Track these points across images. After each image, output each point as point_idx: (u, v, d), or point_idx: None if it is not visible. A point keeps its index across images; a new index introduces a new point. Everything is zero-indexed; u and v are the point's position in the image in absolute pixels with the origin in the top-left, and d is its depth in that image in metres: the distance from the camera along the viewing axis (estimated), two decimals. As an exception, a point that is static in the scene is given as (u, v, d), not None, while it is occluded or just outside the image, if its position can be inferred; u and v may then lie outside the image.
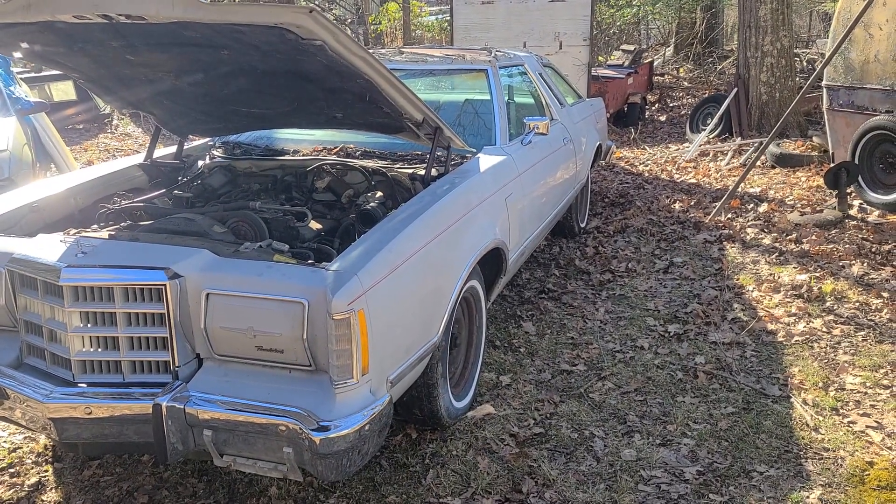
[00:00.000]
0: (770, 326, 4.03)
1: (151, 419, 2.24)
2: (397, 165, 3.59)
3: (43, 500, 2.76)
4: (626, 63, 12.09)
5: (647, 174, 8.11)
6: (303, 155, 3.82)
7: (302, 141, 3.98)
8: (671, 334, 3.99)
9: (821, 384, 3.41)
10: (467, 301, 3.29)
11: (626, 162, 8.79)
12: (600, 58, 15.44)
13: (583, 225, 5.91)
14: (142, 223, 2.99)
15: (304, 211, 3.07)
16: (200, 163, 3.91)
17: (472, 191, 3.18)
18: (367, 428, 2.22)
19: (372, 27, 23.12)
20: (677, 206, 6.54)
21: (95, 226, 3.04)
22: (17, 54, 2.85)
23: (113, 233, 2.72)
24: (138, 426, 2.31)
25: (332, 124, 3.54)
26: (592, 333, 4.04)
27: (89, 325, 2.39)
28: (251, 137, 4.11)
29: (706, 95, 11.26)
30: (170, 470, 2.90)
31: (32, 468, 2.95)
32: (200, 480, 2.85)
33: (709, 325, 4.08)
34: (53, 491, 2.81)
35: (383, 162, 3.65)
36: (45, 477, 2.89)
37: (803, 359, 3.67)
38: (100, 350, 2.40)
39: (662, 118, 12.79)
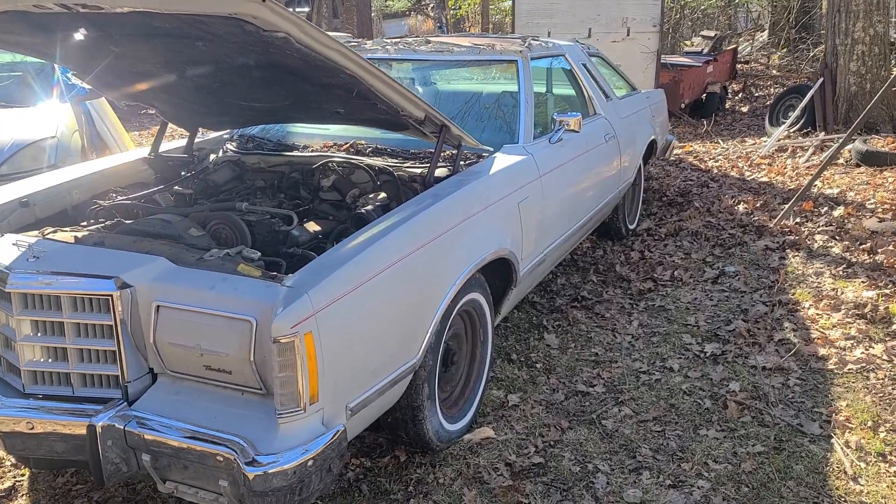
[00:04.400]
0: (822, 351, 3.61)
1: (86, 440, 2.10)
2: (407, 164, 3.36)
3: (10, 507, 2.68)
4: (706, 50, 11.44)
5: (715, 171, 7.60)
6: (311, 151, 3.63)
7: (314, 136, 3.80)
8: (707, 355, 3.62)
9: (870, 423, 3.00)
10: (469, 315, 3.04)
11: (694, 157, 8.29)
12: (686, 43, 14.72)
13: (632, 226, 5.54)
14: (124, 223, 2.86)
15: (290, 214, 2.88)
16: (213, 156, 3.78)
17: (473, 195, 2.91)
18: (310, 464, 2.01)
19: (452, 12, 22.90)
20: (741, 207, 6.06)
21: (84, 223, 2.95)
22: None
23: (83, 234, 2.59)
24: (80, 444, 2.17)
25: (338, 120, 3.35)
26: (619, 350, 3.72)
27: (38, 335, 2.27)
28: (267, 131, 3.95)
29: (789, 85, 10.53)
30: (143, 482, 2.78)
31: (10, 471, 2.87)
32: (171, 496, 2.71)
33: (752, 347, 3.68)
34: (24, 497, 2.73)
35: (394, 160, 3.42)
36: (20, 482, 2.81)
37: (854, 391, 3.25)
38: (49, 360, 2.28)
39: (745, 109, 12.09)
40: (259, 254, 2.49)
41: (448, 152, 3.28)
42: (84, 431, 2.10)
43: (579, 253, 5.12)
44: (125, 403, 2.17)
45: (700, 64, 10.48)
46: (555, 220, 3.64)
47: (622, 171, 4.78)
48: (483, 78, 4.36)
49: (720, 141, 9.12)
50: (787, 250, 5.05)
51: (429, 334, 2.54)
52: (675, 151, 8.57)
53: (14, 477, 2.84)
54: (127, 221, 2.88)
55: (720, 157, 8.16)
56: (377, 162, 3.36)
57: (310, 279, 2.12)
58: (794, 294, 4.28)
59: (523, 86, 3.82)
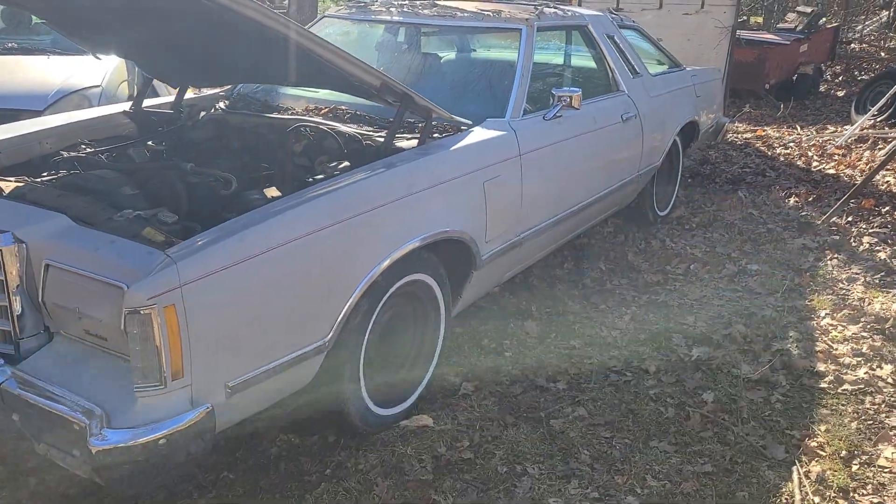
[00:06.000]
0: (820, 366, 3.27)
1: (-44, 393, 2.09)
2: (380, 133, 3.21)
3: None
4: (800, 27, 10.64)
5: (781, 158, 7.08)
6: (291, 113, 3.53)
7: (301, 98, 3.68)
8: (691, 359, 3.34)
9: (844, 452, 2.69)
10: (416, 296, 2.89)
11: (763, 142, 7.74)
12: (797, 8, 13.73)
13: (663, 213, 5.19)
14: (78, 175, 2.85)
15: (229, 178, 2.79)
16: (203, 113, 3.73)
17: (418, 171, 2.75)
18: (162, 442, 1.93)
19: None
20: (792, 200, 5.61)
21: (45, 174, 2.95)
22: None
23: (14, 186, 2.58)
24: None
25: (313, 83, 3.25)
26: (599, 345, 3.48)
27: (-59, 285, 2.28)
28: (261, 90, 3.86)
29: (882, 70, 9.69)
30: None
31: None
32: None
33: (744, 354, 3.38)
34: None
35: (369, 128, 3.28)
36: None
37: (841, 415, 2.93)
38: (-49, 312, 2.29)
39: (841, 93, 11.24)
40: (175, 217, 2.42)
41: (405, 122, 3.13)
42: (-42, 384, 2.10)
43: (598, 237, 4.86)
44: (3, 361, 2.15)
45: (789, 42, 9.76)
46: (539, 203, 3.41)
47: (645, 154, 4.46)
48: (493, 46, 4.14)
49: (797, 127, 8.49)
50: (827, 251, 4.63)
51: (343, 315, 2.41)
52: (745, 136, 8.05)
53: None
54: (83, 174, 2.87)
55: (791, 144, 7.59)
56: (349, 129, 3.23)
57: (185, 251, 2.03)
58: (812, 300, 3.91)
59: (522, 57, 3.58)
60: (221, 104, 3.79)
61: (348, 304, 2.41)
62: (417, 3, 4.09)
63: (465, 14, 3.83)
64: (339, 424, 2.72)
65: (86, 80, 5.59)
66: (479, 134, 3.15)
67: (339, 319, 2.40)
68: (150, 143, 3.37)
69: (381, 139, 3.10)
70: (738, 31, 8.13)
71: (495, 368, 3.27)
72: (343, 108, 3.49)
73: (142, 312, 1.90)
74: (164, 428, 1.93)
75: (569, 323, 3.70)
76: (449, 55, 4.04)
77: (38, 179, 2.76)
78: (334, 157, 3.11)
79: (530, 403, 3.02)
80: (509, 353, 3.40)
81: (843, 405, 3.00)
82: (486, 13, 3.82)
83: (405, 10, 3.96)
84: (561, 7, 4.24)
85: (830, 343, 3.48)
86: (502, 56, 3.84)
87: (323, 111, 3.49)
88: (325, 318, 2.37)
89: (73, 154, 3.10)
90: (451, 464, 2.65)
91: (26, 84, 5.63)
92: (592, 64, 4.34)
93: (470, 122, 3.24)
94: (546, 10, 4.00)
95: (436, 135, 3.18)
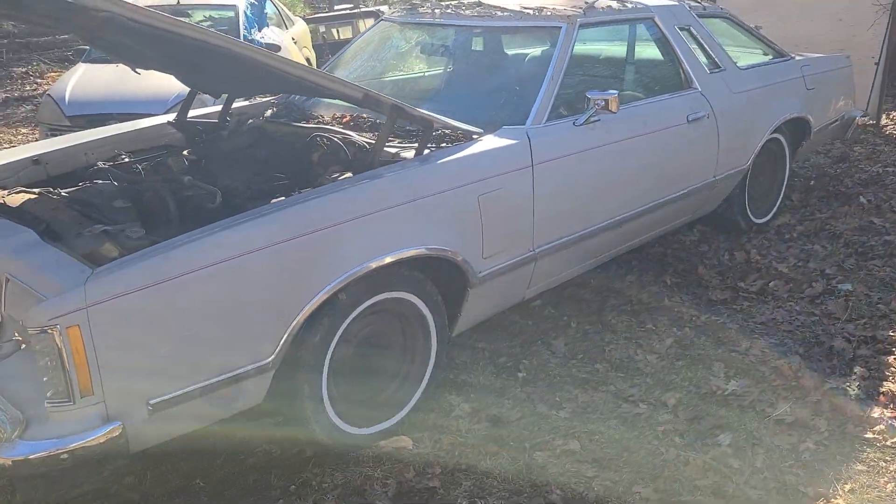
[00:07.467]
0: (876, 412, 2.79)
1: None
2: (394, 142, 3.14)
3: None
4: None
5: (942, 156, 6.15)
6: (317, 122, 3.55)
7: (333, 106, 3.68)
8: (724, 393, 2.98)
9: (861, 522, 2.28)
10: (404, 315, 2.80)
11: (928, 137, 6.77)
12: None
13: (761, 220, 4.67)
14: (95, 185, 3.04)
15: (214, 191, 2.84)
16: (250, 121, 3.84)
17: (395, 184, 2.65)
18: (63, 457, 2.00)
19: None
20: (928, 206, 4.85)
21: (81, 183, 3.17)
22: None
23: (25, 198, 2.79)
24: None
25: (321, 95, 3.26)
26: (626, 370, 3.20)
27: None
28: (305, 99, 3.92)
29: None
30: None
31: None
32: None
33: (789, 391, 2.96)
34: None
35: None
36: None
37: (877, 473, 2.49)
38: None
39: None
40: (142, 232, 2.50)
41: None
42: None
43: (676, 246, 4.47)
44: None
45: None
46: (561, 215, 3.19)
47: (724, 157, 4.03)
48: (535, 46, 3.91)
49: (978, 117, 7.34)
50: (949, 270, 3.96)
51: (288, 335, 2.38)
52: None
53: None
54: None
55: (962, 139, 6.58)
56: (361, 139, 3.18)
57: (111, 269, 2.09)
58: (899, 330, 3.36)
59: (556, 58, 3.35)
60: (268, 112, 3.88)
61: (293, 324, 2.38)
62: (464, 2, 3.95)
63: (506, 13, 3.65)
64: (304, 441, 2.71)
65: (205, 84, 5.92)
66: (483, 144, 2.99)
67: (283, 339, 2.37)
68: (185, 153, 3.53)
69: (393, 149, 3.04)
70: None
71: (502, 390, 3.11)
72: (364, 116, 3.45)
73: (46, 331, 1.98)
74: (66, 444, 2.01)
75: (602, 343, 3.43)
76: (486, 57, 3.86)
77: (55, 190, 2.97)
78: (344, 167, 3.10)
79: (523, 433, 2.83)
80: (522, 374, 3.21)
81: (886, 460, 2.55)
82: (527, 11, 3.62)
83: (448, 11, 3.84)
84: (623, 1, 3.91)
85: (902, 384, 2.97)
86: (536, 57, 3.61)
87: (345, 119, 3.48)
88: (265, 338, 2.35)
89: (108, 164, 3.30)
90: (413, 491, 2.55)
91: (147, 90, 6.09)
92: (659, 59, 3.98)
93: (480, 131, 3.09)
94: (599, 3, 3.72)
95: (444, 144, 3.07)
